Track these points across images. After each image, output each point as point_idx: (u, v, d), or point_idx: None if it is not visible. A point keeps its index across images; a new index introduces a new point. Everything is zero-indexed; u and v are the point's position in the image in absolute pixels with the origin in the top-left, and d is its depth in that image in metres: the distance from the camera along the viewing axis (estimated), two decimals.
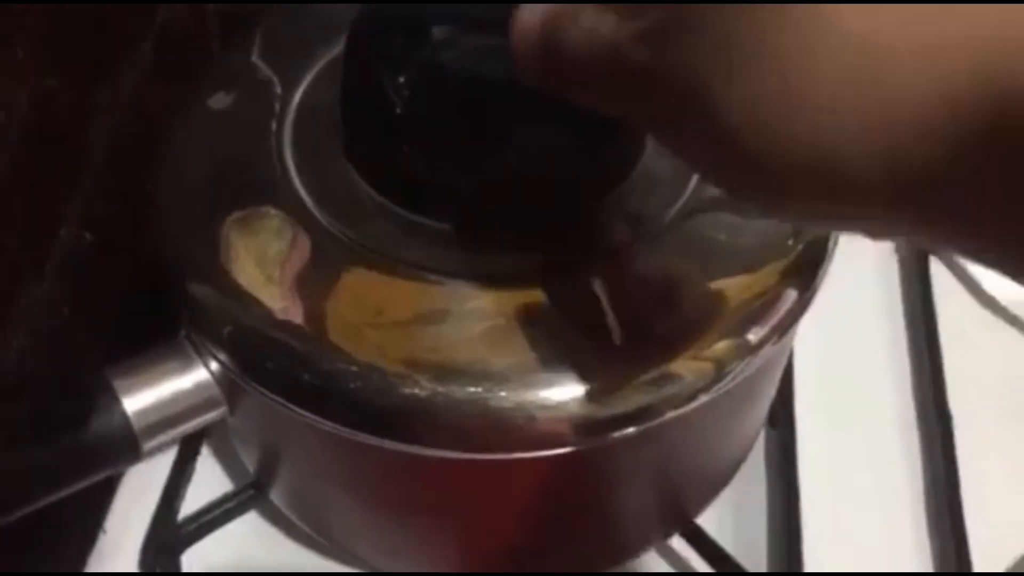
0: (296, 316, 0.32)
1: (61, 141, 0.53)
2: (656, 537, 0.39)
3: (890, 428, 0.45)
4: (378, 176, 0.34)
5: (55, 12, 0.49)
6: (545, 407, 0.30)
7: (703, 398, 0.31)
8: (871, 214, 0.18)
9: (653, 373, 0.31)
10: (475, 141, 0.32)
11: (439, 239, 0.33)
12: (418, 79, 0.32)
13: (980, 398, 0.45)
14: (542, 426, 0.30)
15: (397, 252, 0.33)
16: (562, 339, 0.31)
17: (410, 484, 0.34)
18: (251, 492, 0.41)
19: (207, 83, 0.40)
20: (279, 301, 0.32)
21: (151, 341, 0.42)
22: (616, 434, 0.31)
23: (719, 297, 0.32)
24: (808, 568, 0.39)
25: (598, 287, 0.32)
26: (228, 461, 0.43)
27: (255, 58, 0.40)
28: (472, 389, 0.30)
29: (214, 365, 0.33)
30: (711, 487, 0.39)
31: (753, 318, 0.32)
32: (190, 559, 0.40)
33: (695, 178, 0.35)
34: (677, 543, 0.40)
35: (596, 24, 0.21)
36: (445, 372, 0.30)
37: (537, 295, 0.32)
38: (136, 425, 0.32)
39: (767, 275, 0.33)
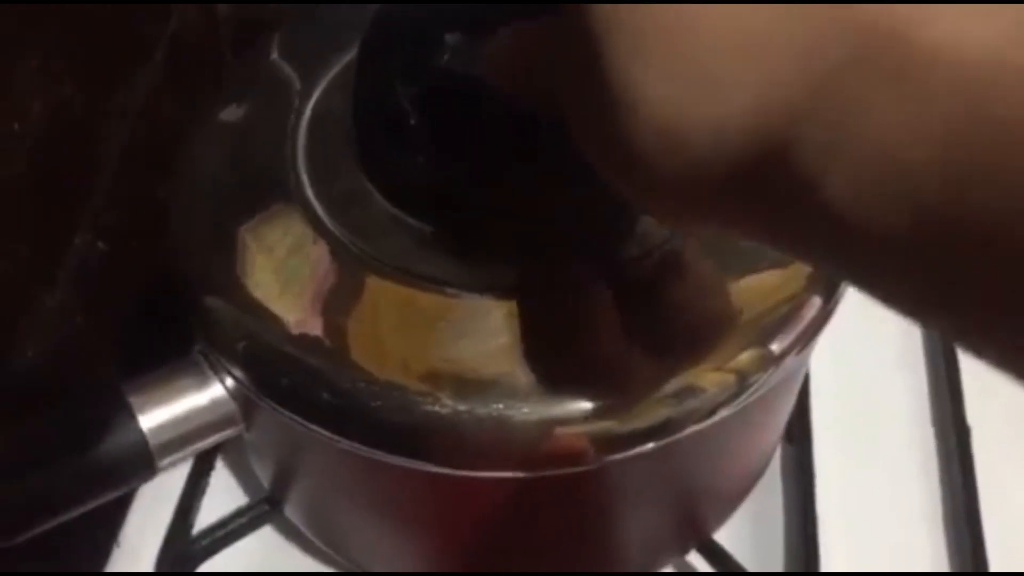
0: (312, 330, 0.32)
1: (74, 149, 0.53)
2: (673, 552, 0.39)
3: (907, 441, 0.44)
4: (392, 188, 0.34)
5: (68, 21, 0.49)
6: (567, 422, 0.30)
7: (724, 411, 0.31)
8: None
9: (674, 386, 0.30)
10: (490, 151, 0.31)
11: (455, 252, 0.33)
12: (431, 88, 0.31)
13: (998, 409, 0.45)
14: (564, 442, 0.30)
15: (413, 265, 0.32)
16: (583, 352, 0.31)
17: (429, 502, 0.33)
18: (266, 507, 0.40)
19: (221, 92, 0.39)
20: (295, 315, 0.32)
21: (165, 351, 0.42)
22: (637, 449, 0.31)
23: (741, 307, 0.32)
24: None
25: (618, 298, 0.32)
26: (243, 475, 0.43)
27: (271, 60, 0.39)
28: (494, 406, 0.30)
29: (229, 381, 0.33)
30: (729, 502, 0.39)
31: (776, 328, 0.32)
32: (204, 573, 0.40)
33: None
34: (693, 557, 0.40)
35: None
36: (466, 388, 0.30)
37: (556, 308, 0.31)
38: (152, 443, 0.32)
39: (790, 283, 0.33)
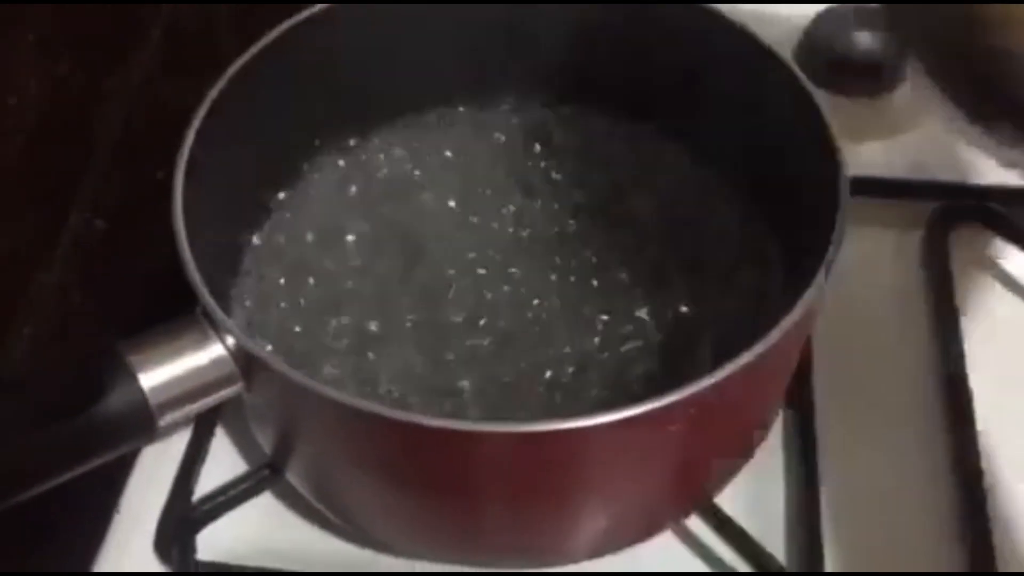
0: None
1: (71, 127, 0.53)
2: (674, 516, 0.39)
3: (909, 405, 0.44)
4: None
5: None
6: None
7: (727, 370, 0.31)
8: None
9: None
10: None
11: None
12: None
13: (1001, 374, 0.45)
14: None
15: None
16: None
17: (431, 460, 0.33)
18: (266, 472, 0.40)
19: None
20: None
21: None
22: (637, 409, 0.31)
23: None
24: (828, 547, 0.39)
25: None
26: (243, 441, 0.42)
27: None
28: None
29: (230, 340, 0.33)
30: (730, 466, 0.39)
31: None
32: (204, 539, 0.40)
33: None
34: (693, 522, 0.40)
35: None
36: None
37: None
38: (152, 401, 0.32)
39: None
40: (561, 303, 0.42)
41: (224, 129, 0.38)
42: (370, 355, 0.40)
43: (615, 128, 0.47)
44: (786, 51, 0.56)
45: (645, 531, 0.39)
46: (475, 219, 0.45)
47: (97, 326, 0.52)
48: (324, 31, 0.42)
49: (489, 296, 0.41)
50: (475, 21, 0.44)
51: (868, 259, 0.48)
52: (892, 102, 0.56)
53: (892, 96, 0.56)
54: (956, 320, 0.46)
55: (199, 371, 0.33)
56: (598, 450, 0.33)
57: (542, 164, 0.46)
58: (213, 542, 0.40)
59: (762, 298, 0.42)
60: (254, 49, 0.40)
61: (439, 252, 0.43)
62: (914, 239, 0.50)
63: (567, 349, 0.40)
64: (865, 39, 0.56)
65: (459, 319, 0.41)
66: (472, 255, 0.43)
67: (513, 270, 0.43)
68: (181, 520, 0.40)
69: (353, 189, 0.45)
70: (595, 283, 0.42)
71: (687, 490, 0.38)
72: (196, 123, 0.38)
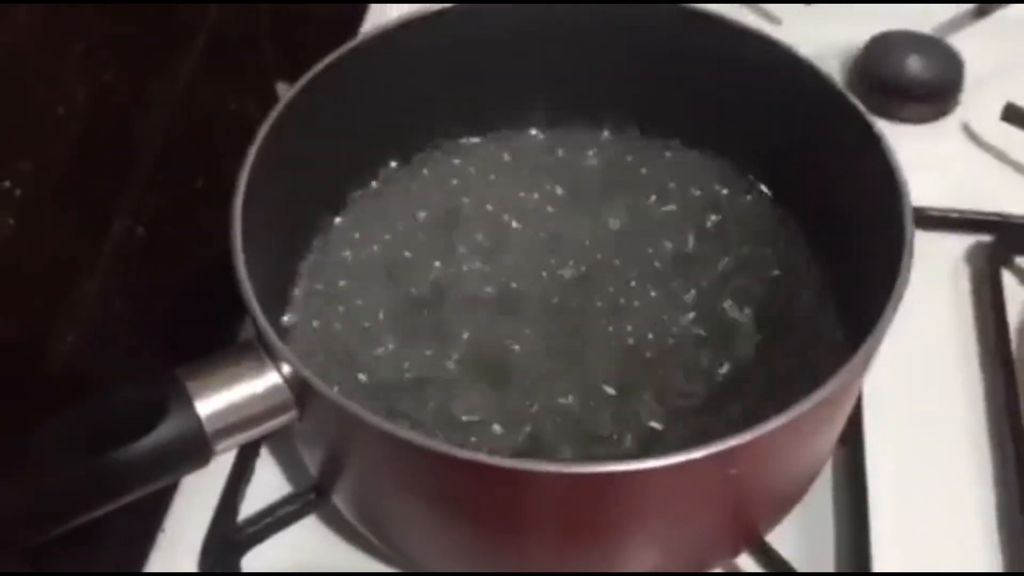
0: None
1: (115, 135, 0.53)
2: (725, 555, 0.38)
3: (962, 444, 0.44)
4: None
5: (111, 6, 0.49)
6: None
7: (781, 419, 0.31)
8: None
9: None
10: None
11: None
12: None
13: None
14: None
15: None
16: None
17: (483, 496, 0.33)
18: (312, 496, 0.40)
19: None
20: None
21: (207, 336, 0.41)
22: (694, 454, 0.30)
23: None
24: None
25: None
26: (288, 461, 0.42)
27: None
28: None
29: (286, 368, 0.33)
30: (782, 505, 0.39)
31: None
32: (248, 560, 0.40)
33: None
34: (744, 558, 0.39)
35: None
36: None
37: None
38: (208, 429, 0.32)
39: None
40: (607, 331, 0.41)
41: (280, 153, 0.38)
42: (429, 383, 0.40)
43: (677, 159, 0.47)
44: (837, 76, 0.56)
45: (696, 568, 0.38)
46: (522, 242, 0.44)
47: (140, 332, 0.53)
48: (370, 60, 0.42)
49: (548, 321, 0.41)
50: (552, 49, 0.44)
51: (919, 291, 0.47)
52: (944, 130, 0.56)
53: (944, 123, 0.56)
54: (1009, 353, 0.45)
55: (254, 399, 0.33)
56: (653, 492, 0.32)
57: (607, 193, 0.46)
58: (257, 564, 0.40)
59: (811, 318, 0.42)
60: (303, 81, 0.40)
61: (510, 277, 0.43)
62: (966, 271, 0.49)
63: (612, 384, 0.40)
64: (918, 65, 0.55)
65: (518, 347, 0.40)
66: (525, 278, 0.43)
67: (560, 300, 0.42)
68: (227, 541, 0.40)
69: (408, 213, 0.45)
70: (644, 308, 0.42)
71: (740, 530, 0.38)
72: (255, 146, 0.37)
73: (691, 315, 0.42)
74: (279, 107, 0.39)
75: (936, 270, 0.49)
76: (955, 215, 0.50)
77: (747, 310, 0.42)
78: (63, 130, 0.49)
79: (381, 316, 0.42)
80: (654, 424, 0.38)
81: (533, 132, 0.48)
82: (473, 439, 0.38)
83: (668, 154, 0.47)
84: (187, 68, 0.57)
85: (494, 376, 0.40)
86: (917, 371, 0.46)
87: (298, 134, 0.39)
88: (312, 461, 0.39)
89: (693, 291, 0.42)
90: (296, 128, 0.39)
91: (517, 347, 0.40)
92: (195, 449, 0.32)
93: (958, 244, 0.50)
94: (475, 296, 0.42)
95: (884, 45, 0.56)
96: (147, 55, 0.55)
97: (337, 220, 0.45)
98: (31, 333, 0.45)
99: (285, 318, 0.41)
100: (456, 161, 0.47)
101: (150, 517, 0.41)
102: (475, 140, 0.47)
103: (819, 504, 0.41)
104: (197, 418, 0.32)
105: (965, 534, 0.41)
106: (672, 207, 0.45)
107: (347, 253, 0.44)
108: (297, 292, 0.42)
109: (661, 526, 0.34)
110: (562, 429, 0.38)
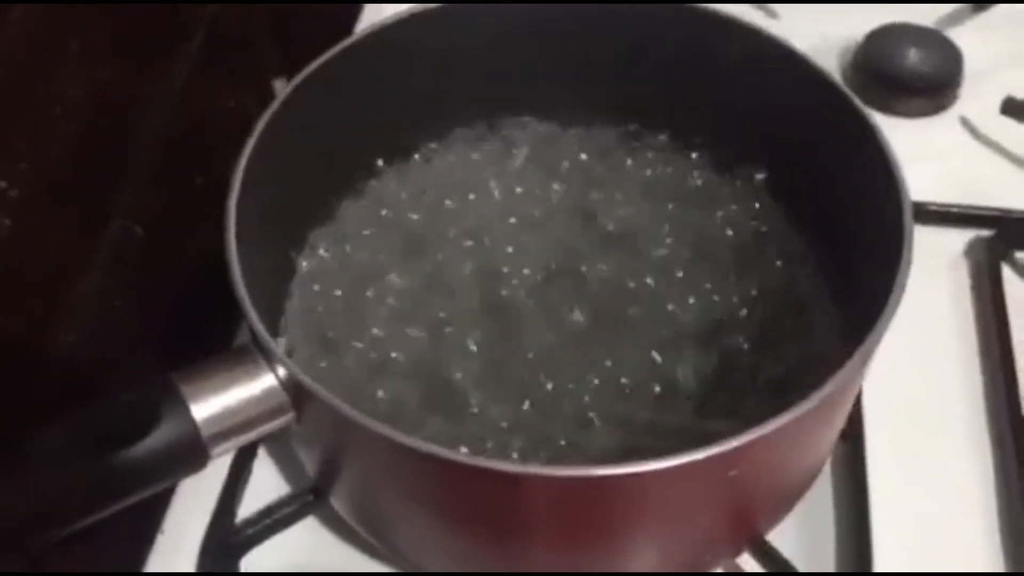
0: None
1: (112, 133, 0.53)
2: (726, 554, 0.38)
3: (962, 440, 0.44)
4: None
5: (107, 4, 0.49)
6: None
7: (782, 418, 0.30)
8: None
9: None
10: None
11: None
12: None
13: None
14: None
15: None
16: None
17: (480, 499, 0.33)
18: (310, 497, 0.40)
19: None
20: None
21: (206, 335, 0.41)
22: (693, 455, 0.30)
23: None
24: None
25: None
26: (285, 462, 0.42)
27: None
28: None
29: (282, 371, 0.33)
30: (783, 504, 0.38)
31: None
32: (248, 563, 0.40)
33: None
34: (744, 558, 0.39)
35: None
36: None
37: None
38: (204, 433, 0.32)
39: None
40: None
41: (275, 151, 0.38)
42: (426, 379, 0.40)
43: (673, 155, 0.47)
44: (835, 70, 0.56)
45: (695, 569, 0.38)
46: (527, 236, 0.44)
47: (138, 332, 0.52)
48: (371, 52, 0.42)
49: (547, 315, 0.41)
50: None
51: (918, 286, 0.47)
52: (944, 123, 0.55)
53: (943, 117, 0.56)
54: (1010, 348, 0.45)
55: (250, 402, 0.33)
56: (653, 494, 0.32)
57: (602, 188, 0.46)
58: (256, 565, 0.40)
59: (808, 314, 0.41)
60: (297, 79, 0.40)
61: (503, 274, 0.43)
62: (966, 266, 0.49)
63: (623, 379, 0.40)
64: (917, 58, 0.55)
65: (519, 345, 0.40)
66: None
67: (555, 299, 0.42)
68: (225, 543, 0.40)
69: (403, 210, 0.45)
70: (646, 313, 0.42)
71: (740, 530, 0.37)
72: (250, 145, 0.37)
73: (688, 313, 0.41)
74: (274, 105, 0.39)
75: (936, 265, 0.49)
76: (955, 209, 0.50)
77: (745, 308, 0.42)
78: (60, 129, 0.48)
79: (379, 314, 0.41)
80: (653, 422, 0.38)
81: (529, 130, 0.48)
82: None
83: (664, 151, 0.47)
84: (185, 67, 0.57)
85: (493, 376, 0.40)
86: (917, 367, 0.45)
87: (293, 132, 0.39)
88: (309, 463, 0.39)
89: (690, 289, 0.42)
90: (291, 126, 0.39)
91: (512, 345, 0.40)
92: (191, 453, 0.32)
93: (958, 239, 0.50)
94: (470, 294, 0.42)
95: (883, 39, 0.56)
96: (144, 54, 0.54)
97: (332, 217, 0.45)
98: (29, 333, 0.45)
99: (282, 319, 0.41)
100: (451, 158, 0.47)
101: (149, 518, 0.41)
102: (470, 138, 0.47)
103: (820, 503, 0.41)
104: (193, 422, 0.31)
105: (966, 532, 0.41)
106: (669, 204, 0.45)
107: (344, 250, 0.44)
108: (293, 289, 0.42)
109: (661, 527, 0.34)
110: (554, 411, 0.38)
